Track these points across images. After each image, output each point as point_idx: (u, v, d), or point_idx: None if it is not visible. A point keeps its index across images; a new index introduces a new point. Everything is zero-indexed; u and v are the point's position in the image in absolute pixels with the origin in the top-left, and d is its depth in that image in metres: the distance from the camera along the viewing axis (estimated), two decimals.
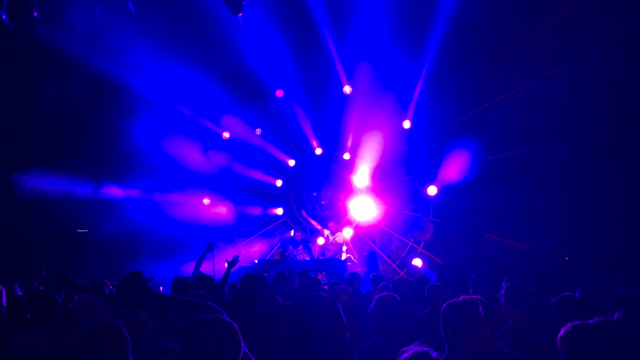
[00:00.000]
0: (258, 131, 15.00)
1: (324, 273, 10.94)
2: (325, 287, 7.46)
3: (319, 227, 13.89)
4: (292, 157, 15.21)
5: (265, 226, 15.12)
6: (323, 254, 12.82)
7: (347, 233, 13.65)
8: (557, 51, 10.77)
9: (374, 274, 8.67)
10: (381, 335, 3.96)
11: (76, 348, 2.28)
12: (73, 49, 10.56)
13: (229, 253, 13.85)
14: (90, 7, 8.56)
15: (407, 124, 13.49)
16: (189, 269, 11.56)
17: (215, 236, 13.18)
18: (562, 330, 2.93)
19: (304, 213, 15.08)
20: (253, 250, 14.68)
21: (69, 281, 5.61)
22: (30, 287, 6.47)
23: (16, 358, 3.36)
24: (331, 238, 12.84)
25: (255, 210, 15.03)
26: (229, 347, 2.20)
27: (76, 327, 3.95)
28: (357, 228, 14.13)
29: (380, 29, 11.38)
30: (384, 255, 13.73)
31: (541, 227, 11.23)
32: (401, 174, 13.86)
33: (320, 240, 13.31)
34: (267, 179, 15.24)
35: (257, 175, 15.12)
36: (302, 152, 15.10)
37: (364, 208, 13.97)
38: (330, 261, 11.81)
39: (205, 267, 11.79)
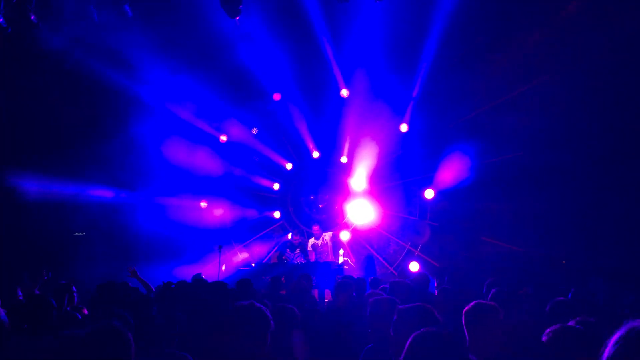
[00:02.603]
0: (254, 130, 14.96)
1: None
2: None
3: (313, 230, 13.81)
4: (290, 161, 15.21)
5: (262, 229, 15.11)
6: (320, 258, 12.77)
7: (344, 236, 13.65)
8: (553, 56, 10.81)
9: (372, 277, 8.65)
10: (375, 342, 3.89)
11: (81, 349, 2.30)
12: (71, 52, 10.56)
13: (228, 256, 13.88)
14: (88, 10, 8.56)
15: (404, 128, 13.52)
16: (186, 272, 11.57)
17: (212, 240, 13.19)
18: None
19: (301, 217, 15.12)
20: (250, 253, 14.65)
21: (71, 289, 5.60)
22: (31, 291, 6.46)
23: None
24: (319, 242, 12.75)
25: (253, 214, 15.00)
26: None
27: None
28: (354, 231, 14.12)
29: (377, 34, 11.40)
30: (381, 259, 13.74)
31: (538, 231, 11.26)
32: (398, 177, 13.88)
33: (311, 244, 13.19)
34: (265, 182, 15.23)
35: (255, 178, 15.11)
36: (300, 155, 15.10)
37: (361, 211, 13.97)
38: (324, 265, 11.78)
39: (212, 270, 11.83)
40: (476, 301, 3.51)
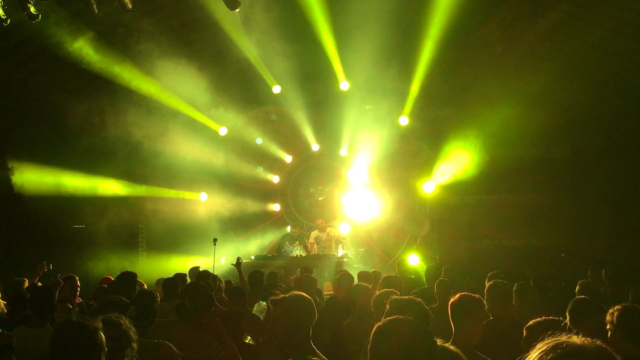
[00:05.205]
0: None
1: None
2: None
3: (314, 223, 13.83)
4: (289, 153, 15.19)
5: (261, 222, 15.09)
6: (322, 251, 12.76)
7: (343, 229, 13.65)
8: (552, 50, 10.80)
9: (360, 271, 8.65)
10: None
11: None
12: (69, 44, 10.51)
13: (226, 248, 13.86)
14: (87, 2, 8.49)
15: (404, 121, 13.49)
16: (186, 264, 11.58)
17: (211, 232, 13.18)
18: None
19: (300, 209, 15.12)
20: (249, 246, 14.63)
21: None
22: (32, 283, 6.51)
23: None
24: (324, 235, 12.77)
25: (252, 206, 14.98)
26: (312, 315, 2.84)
27: None
28: (354, 224, 14.13)
29: (378, 25, 11.35)
30: (380, 252, 13.75)
31: (537, 224, 11.29)
32: (398, 170, 13.87)
33: (314, 237, 13.21)
34: (264, 175, 15.21)
35: (254, 171, 15.09)
36: (299, 148, 15.08)
37: (360, 204, 13.97)
38: (325, 258, 11.79)
39: (206, 261, 11.84)
40: (462, 293, 3.58)
